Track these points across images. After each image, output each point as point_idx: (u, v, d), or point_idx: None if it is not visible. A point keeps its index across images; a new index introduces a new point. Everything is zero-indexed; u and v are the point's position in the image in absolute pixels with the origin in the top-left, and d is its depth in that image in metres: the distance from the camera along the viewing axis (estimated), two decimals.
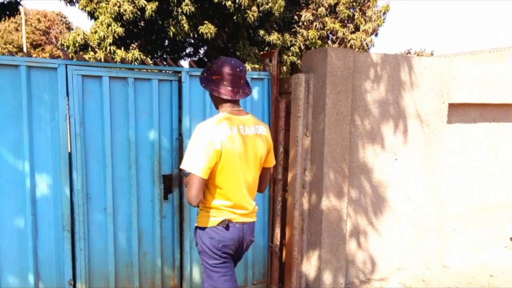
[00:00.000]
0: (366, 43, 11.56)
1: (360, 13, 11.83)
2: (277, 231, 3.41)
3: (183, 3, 8.45)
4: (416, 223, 3.95)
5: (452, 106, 4.05)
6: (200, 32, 8.79)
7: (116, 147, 2.81)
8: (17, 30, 23.43)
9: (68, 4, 10.17)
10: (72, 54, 9.44)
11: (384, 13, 12.08)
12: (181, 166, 2.00)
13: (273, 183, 3.44)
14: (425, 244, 4.03)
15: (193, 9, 8.53)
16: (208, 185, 2.09)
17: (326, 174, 3.29)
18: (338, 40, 11.68)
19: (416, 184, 3.90)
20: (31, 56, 2.66)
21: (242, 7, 8.83)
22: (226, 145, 1.99)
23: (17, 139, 2.52)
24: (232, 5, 8.70)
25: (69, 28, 27.40)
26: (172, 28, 8.64)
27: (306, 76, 3.35)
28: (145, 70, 2.89)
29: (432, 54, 28.33)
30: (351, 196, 3.56)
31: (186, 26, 8.63)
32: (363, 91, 3.52)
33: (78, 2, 9.94)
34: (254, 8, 9.19)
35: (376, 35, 12.25)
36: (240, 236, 2.14)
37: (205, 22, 8.80)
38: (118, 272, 2.93)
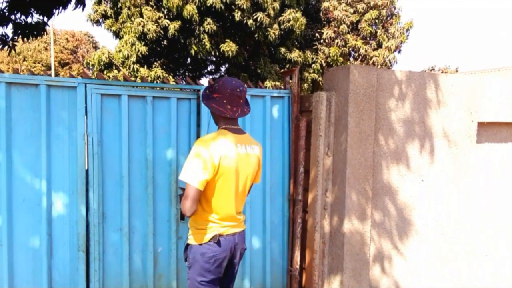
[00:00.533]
0: (389, 60, 11.42)
1: (383, 30, 11.73)
2: (297, 254, 3.28)
3: (205, 22, 8.56)
4: (444, 248, 3.74)
5: (481, 125, 3.86)
6: (221, 50, 8.85)
7: (133, 165, 2.77)
8: (46, 49, 24.31)
9: (94, 24, 10.48)
10: (96, 72, 9.66)
11: (407, 29, 11.94)
12: (180, 177, 2.08)
13: (292, 204, 3.33)
14: (453, 270, 3.81)
15: (214, 27, 8.62)
16: (200, 199, 2.14)
17: (348, 195, 3.16)
18: (360, 57, 11.58)
19: (443, 207, 3.71)
20: (59, 74, 2.68)
21: (263, 25, 8.88)
22: (224, 160, 2.08)
23: (35, 158, 2.51)
24: (254, 23, 8.75)
25: (95, 47, 28.25)
26: (194, 46, 8.74)
27: (328, 94, 3.27)
28: (165, 89, 2.86)
29: (457, 71, 27.80)
30: (375, 218, 3.40)
31: (208, 45, 8.71)
32: (387, 110, 3.40)
33: (104, 23, 10.23)
34: (276, 26, 9.22)
35: (399, 51, 12.09)
36: (232, 247, 2.22)
37: (227, 40, 8.87)
38: None
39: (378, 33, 11.59)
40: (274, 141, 3.31)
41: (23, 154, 2.48)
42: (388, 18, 11.99)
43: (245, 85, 2.23)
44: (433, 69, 27.69)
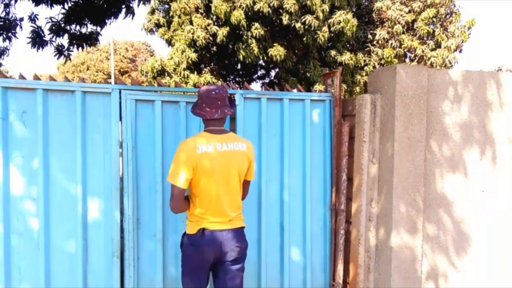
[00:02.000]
0: (449, 61, 10.71)
1: (442, 29, 11.05)
2: (339, 268, 3.07)
3: (253, 27, 8.52)
4: (509, 266, 3.33)
5: None
6: (269, 55, 8.77)
7: (167, 171, 2.72)
8: (107, 59, 25.74)
9: (148, 33, 10.84)
10: (150, 79, 9.96)
11: (469, 28, 11.14)
12: (167, 179, 2.31)
13: (335, 214, 3.12)
14: None
15: (262, 32, 8.56)
16: (190, 195, 2.36)
17: (395, 206, 2.90)
18: (417, 58, 10.98)
19: (508, 220, 3.31)
20: (124, 82, 2.70)
21: (312, 28, 8.68)
22: (202, 159, 2.24)
23: (71, 163, 2.53)
24: (302, 26, 8.58)
25: (152, 56, 29.50)
26: (242, 51, 8.73)
27: (372, 96, 3.04)
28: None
29: None
30: (428, 232, 3.10)
31: (256, 49, 8.67)
32: (440, 113, 3.10)
33: (157, 31, 10.55)
34: (325, 28, 8.99)
35: (460, 51, 11.32)
36: (218, 243, 2.29)
37: (274, 44, 8.77)
38: None
39: (436, 33, 10.93)
40: (315, 147, 3.13)
41: (60, 159, 2.52)
42: (447, 16, 11.28)
43: (224, 88, 2.39)
44: (500, 69, 25.76)
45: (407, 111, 2.92)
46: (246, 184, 2.52)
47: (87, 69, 26.29)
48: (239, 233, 2.38)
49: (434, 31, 10.97)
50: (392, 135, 2.91)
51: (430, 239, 3.11)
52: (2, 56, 5.45)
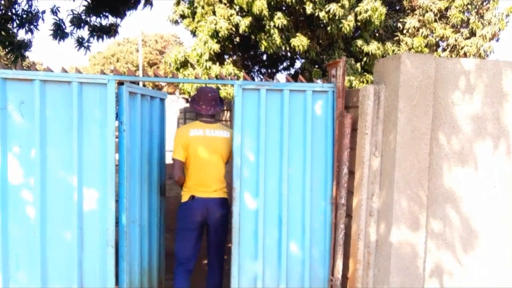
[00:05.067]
0: (484, 50, 10.17)
1: (477, 16, 10.50)
2: (339, 262, 3.00)
3: (275, 17, 8.40)
4: None
5: None
6: (292, 45, 8.64)
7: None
8: (137, 51, 26.31)
9: (173, 24, 10.94)
10: (174, 70, 10.07)
11: (507, 15, 10.52)
12: (172, 156, 3.01)
13: (335, 208, 3.05)
14: None
15: (285, 22, 8.43)
16: (185, 171, 3.06)
17: (396, 201, 2.80)
18: (450, 47, 10.50)
19: None
20: (148, 74, 2.88)
21: (337, 17, 8.45)
22: (192, 140, 3.00)
23: (67, 153, 2.59)
24: (326, 15, 8.38)
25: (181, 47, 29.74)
26: (264, 42, 8.64)
27: (376, 87, 2.93)
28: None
29: None
30: (433, 229, 2.98)
31: (278, 40, 8.55)
32: (449, 104, 2.95)
33: (182, 22, 10.62)
34: (350, 17, 8.74)
35: (497, 40, 10.72)
36: (204, 208, 3.02)
37: (297, 34, 8.63)
38: None
39: (471, 20, 10.39)
40: (316, 139, 3.06)
41: (56, 150, 2.59)
42: (484, 3, 10.69)
43: (217, 91, 3.19)
44: None
45: (411, 103, 2.80)
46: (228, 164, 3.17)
47: (117, 61, 26.99)
48: (221, 202, 3.08)
49: (468, 19, 10.44)
50: (395, 127, 2.79)
51: (435, 236, 2.98)
52: (27, 49, 5.64)
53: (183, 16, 10.49)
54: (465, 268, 3.05)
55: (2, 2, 4.69)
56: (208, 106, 3.11)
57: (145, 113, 3.09)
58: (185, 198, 3.03)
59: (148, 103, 3.11)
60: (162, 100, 3.36)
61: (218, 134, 3.06)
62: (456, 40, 10.34)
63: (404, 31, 10.50)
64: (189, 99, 3.03)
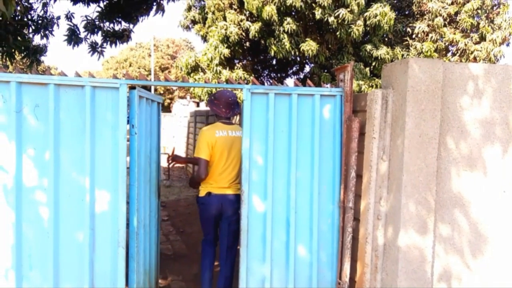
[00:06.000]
0: (494, 54, 10.10)
1: (487, 21, 10.44)
2: (346, 266, 3.02)
3: (285, 22, 8.47)
4: None
5: None
6: (301, 50, 8.68)
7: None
8: (149, 55, 26.68)
9: (184, 30, 11.08)
10: (185, 74, 10.18)
11: None
12: (195, 155, 3.27)
13: (343, 211, 3.07)
14: None
15: (294, 27, 8.48)
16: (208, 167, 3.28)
17: (404, 205, 2.81)
18: (459, 52, 10.45)
19: None
20: (159, 78, 2.92)
21: (346, 22, 8.48)
22: (217, 141, 3.25)
23: (80, 155, 2.65)
24: (335, 20, 8.41)
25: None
26: (273, 47, 8.70)
27: (384, 91, 2.95)
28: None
29: None
30: (441, 233, 2.98)
31: (288, 44, 8.60)
32: (458, 109, 2.96)
33: (193, 28, 10.74)
34: (359, 22, 8.75)
35: (507, 45, 10.64)
36: (220, 202, 3.30)
37: (307, 39, 8.67)
38: None
39: (481, 25, 10.34)
40: (324, 143, 3.08)
41: (70, 152, 2.65)
42: (494, 7, 10.64)
43: (236, 95, 3.41)
44: None
45: (419, 107, 2.81)
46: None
47: (130, 66, 27.37)
48: (235, 197, 3.29)
49: (478, 24, 10.39)
50: (403, 131, 2.81)
51: (444, 240, 2.98)
52: (42, 54, 5.76)
53: (194, 22, 10.62)
54: (473, 272, 3.05)
55: (18, 8, 4.81)
56: (228, 109, 3.36)
57: (147, 116, 3.14)
58: (202, 193, 3.32)
59: (149, 106, 3.16)
60: (158, 104, 3.44)
61: (238, 134, 3.32)
62: (465, 45, 10.29)
63: (414, 36, 10.49)
64: (207, 100, 3.26)
